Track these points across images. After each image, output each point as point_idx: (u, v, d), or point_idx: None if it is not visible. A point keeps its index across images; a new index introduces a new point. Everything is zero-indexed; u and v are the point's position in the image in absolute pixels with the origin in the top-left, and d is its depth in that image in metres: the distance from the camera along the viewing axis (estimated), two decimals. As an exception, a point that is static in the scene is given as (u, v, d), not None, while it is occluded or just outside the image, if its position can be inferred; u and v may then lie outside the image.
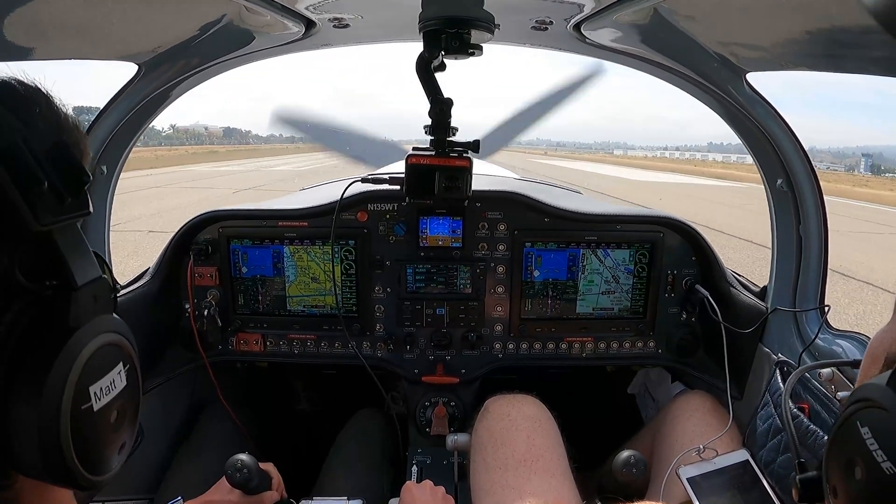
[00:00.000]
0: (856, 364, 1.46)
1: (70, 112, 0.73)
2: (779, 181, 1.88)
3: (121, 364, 0.73)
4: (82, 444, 0.66)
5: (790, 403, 1.65)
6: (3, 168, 0.59)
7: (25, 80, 0.69)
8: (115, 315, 0.75)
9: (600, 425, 2.66)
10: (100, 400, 0.68)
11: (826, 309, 1.84)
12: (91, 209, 0.70)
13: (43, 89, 0.70)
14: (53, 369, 0.63)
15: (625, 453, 1.69)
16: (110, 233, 2.06)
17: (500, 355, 2.41)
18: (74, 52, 1.47)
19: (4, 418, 0.61)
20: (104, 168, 1.92)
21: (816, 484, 0.97)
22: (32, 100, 0.68)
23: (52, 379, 0.62)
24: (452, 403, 2.41)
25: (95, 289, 0.70)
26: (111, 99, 1.79)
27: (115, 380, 0.72)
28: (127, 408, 0.74)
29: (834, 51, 1.26)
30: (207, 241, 2.25)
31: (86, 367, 0.66)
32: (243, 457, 1.60)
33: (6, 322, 0.62)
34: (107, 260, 2.03)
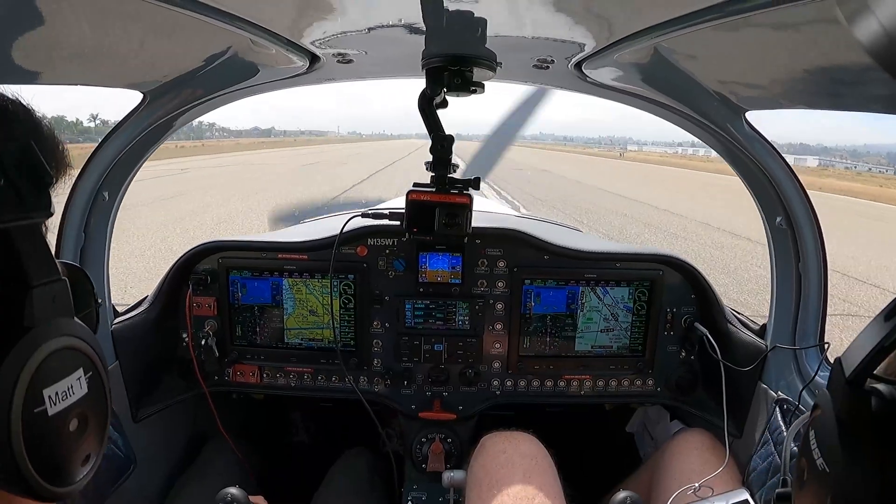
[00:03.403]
0: None
1: (50, 124, 0.73)
2: (778, 219, 1.89)
3: (81, 370, 0.71)
4: (36, 449, 0.64)
5: (792, 444, 1.65)
6: None
7: (4, 92, 0.70)
8: (78, 320, 0.74)
9: (598, 463, 2.63)
10: (55, 405, 0.66)
11: (826, 346, 1.84)
12: (53, 211, 0.70)
13: (23, 101, 0.71)
14: (3, 367, 0.62)
15: (621, 494, 1.67)
16: (109, 257, 2.06)
17: (498, 392, 2.39)
18: (81, 78, 1.50)
19: None
20: (106, 194, 1.92)
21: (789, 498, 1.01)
22: (6, 108, 0.69)
23: (1, 376, 0.61)
24: (449, 440, 2.38)
25: (53, 290, 0.69)
26: (115, 126, 1.80)
27: (74, 385, 0.70)
28: (89, 417, 0.72)
29: (832, 89, 1.28)
30: (207, 271, 2.26)
31: (39, 369, 0.65)
32: (233, 490, 1.59)
33: None
34: (107, 284, 2.03)
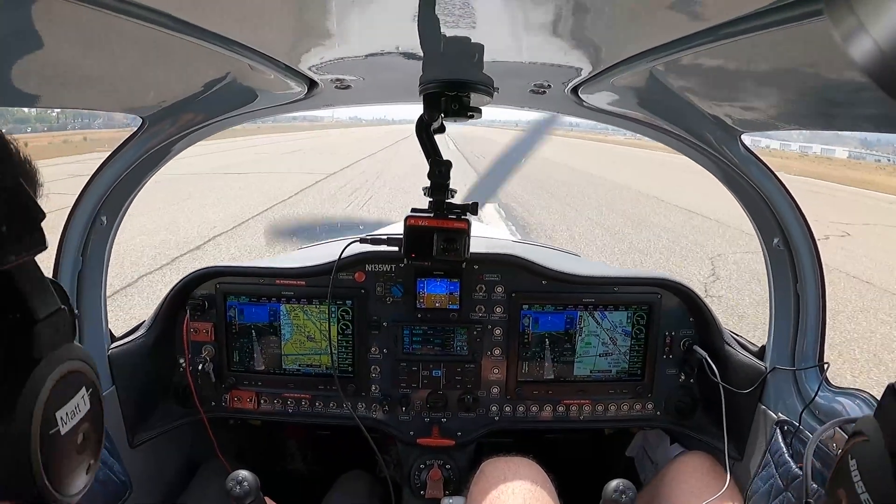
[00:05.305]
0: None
1: (28, 156, 0.75)
2: (775, 240, 1.90)
3: (84, 388, 0.77)
4: (52, 466, 0.69)
5: (791, 463, 1.63)
6: None
7: None
8: (76, 343, 0.79)
9: (598, 488, 2.60)
10: (66, 424, 0.72)
11: (825, 366, 1.83)
12: (46, 244, 0.73)
13: (8, 139, 0.72)
14: (20, 400, 0.66)
15: (613, 483, 1.63)
16: (107, 282, 2.06)
17: (497, 418, 2.38)
18: (82, 101, 1.50)
19: None
20: (104, 219, 1.92)
21: None
22: None
23: (19, 409, 0.66)
24: (448, 466, 2.36)
25: (56, 320, 0.73)
26: (115, 150, 1.81)
27: (80, 404, 0.76)
28: (91, 430, 0.78)
29: (826, 109, 1.29)
30: (204, 296, 2.26)
31: (51, 395, 0.69)
32: (245, 473, 1.57)
33: None
34: (104, 308, 2.03)
